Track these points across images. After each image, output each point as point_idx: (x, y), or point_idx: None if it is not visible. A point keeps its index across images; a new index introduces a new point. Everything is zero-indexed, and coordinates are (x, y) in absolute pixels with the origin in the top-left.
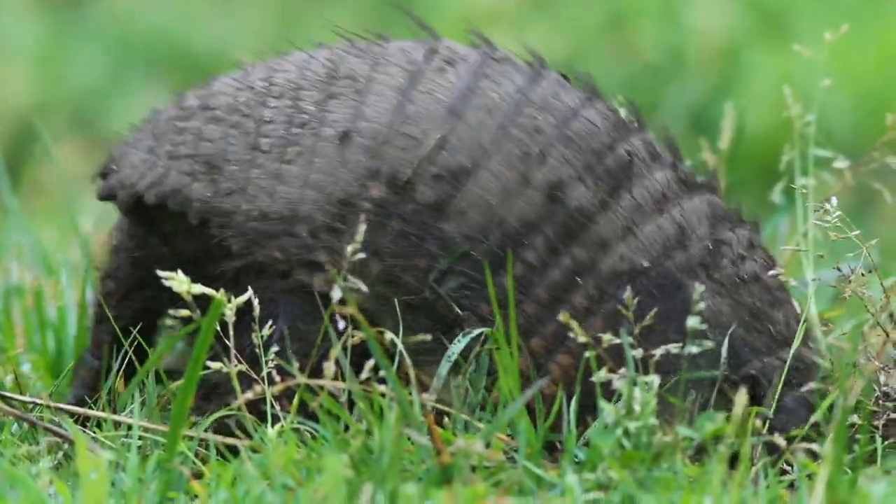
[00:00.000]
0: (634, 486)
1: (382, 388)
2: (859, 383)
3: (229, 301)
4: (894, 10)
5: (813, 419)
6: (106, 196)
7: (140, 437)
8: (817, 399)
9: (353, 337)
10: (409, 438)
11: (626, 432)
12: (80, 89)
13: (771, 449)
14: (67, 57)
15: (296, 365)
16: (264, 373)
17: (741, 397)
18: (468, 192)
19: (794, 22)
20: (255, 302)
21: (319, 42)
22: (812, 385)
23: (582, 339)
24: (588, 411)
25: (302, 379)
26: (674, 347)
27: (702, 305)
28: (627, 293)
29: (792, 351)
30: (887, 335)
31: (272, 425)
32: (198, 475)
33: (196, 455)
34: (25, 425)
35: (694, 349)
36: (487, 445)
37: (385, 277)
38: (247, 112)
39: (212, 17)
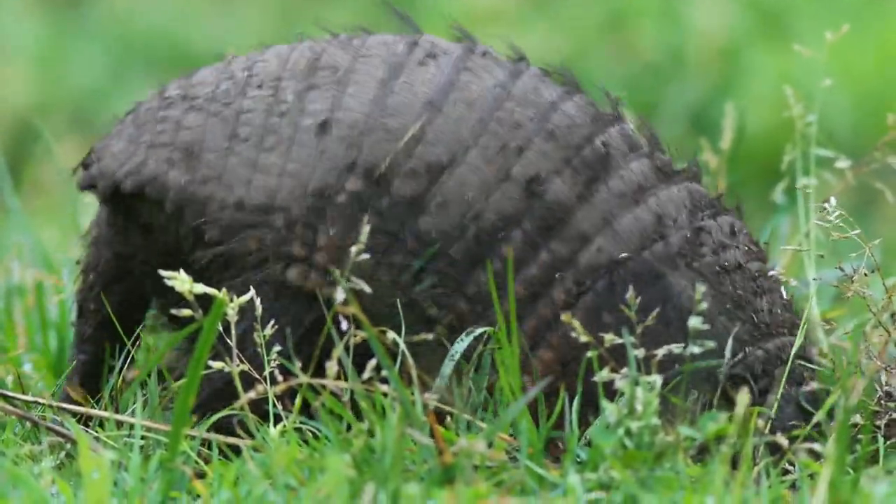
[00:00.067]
0: (636, 485)
1: (384, 387)
2: (861, 383)
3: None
4: (895, 10)
5: (814, 419)
6: (86, 186)
7: (142, 437)
8: (800, 392)
9: (354, 336)
10: (411, 438)
11: (629, 432)
12: (81, 89)
13: (773, 449)
14: (68, 57)
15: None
16: (266, 372)
17: (742, 397)
18: (445, 186)
19: (794, 22)
20: (257, 302)
21: (303, 36)
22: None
23: (564, 334)
24: (578, 407)
25: (304, 378)
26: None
27: (704, 305)
28: (630, 293)
29: (775, 342)
30: (889, 335)
31: (274, 425)
32: (200, 475)
33: (198, 455)
34: (28, 425)
35: (676, 345)
36: (489, 445)
37: (360, 273)
38: (227, 101)
39: (212, 17)
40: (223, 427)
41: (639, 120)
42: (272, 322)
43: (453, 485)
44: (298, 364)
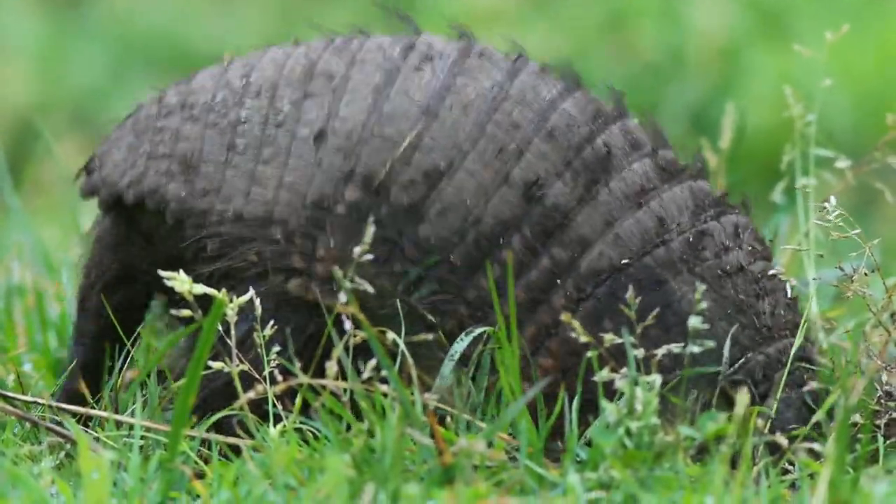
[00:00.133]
0: (636, 485)
1: (384, 387)
2: (861, 382)
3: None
4: (895, 10)
5: (814, 419)
6: (88, 193)
7: (142, 437)
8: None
9: (354, 336)
10: (411, 438)
11: (628, 432)
12: (81, 88)
13: (773, 448)
14: (68, 56)
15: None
16: (266, 372)
17: (742, 396)
18: (443, 192)
19: (794, 22)
20: (257, 302)
21: (297, 39)
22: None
23: (564, 340)
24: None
25: (304, 379)
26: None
27: (703, 305)
28: (630, 293)
29: (776, 345)
30: (889, 334)
31: (274, 425)
32: (200, 475)
33: (198, 455)
34: (27, 425)
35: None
36: (489, 445)
37: (361, 279)
38: (223, 111)
39: (212, 17)
40: (223, 427)
41: (642, 115)
42: (274, 332)
43: (453, 485)
44: (298, 365)
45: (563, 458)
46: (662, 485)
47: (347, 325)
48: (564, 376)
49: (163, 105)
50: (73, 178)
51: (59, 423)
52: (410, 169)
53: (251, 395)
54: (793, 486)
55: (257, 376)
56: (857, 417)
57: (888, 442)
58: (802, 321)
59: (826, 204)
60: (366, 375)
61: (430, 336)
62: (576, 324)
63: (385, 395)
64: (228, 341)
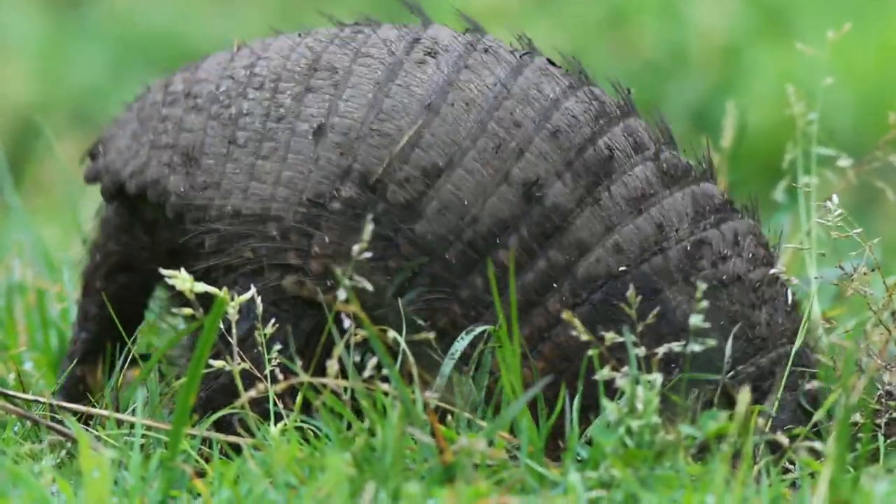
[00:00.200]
0: (637, 484)
1: (385, 386)
2: (862, 382)
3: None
4: None
5: (814, 418)
6: (91, 178)
7: (143, 436)
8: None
9: (355, 335)
10: (411, 437)
11: (629, 431)
12: (81, 87)
13: (773, 447)
14: (68, 55)
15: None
16: (267, 371)
17: (744, 396)
18: (441, 190)
19: (796, 20)
20: (258, 300)
21: (306, 29)
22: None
23: (557, 345)
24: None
25: (305, 377)
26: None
27: (705, 304)
28: (630, 292)
29: (770, 356)
30: (890, 333)
31: (275, 424)
32: (200, 473)
33: (199, 453)
34: (28, 423)
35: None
36: (490, 444)
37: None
38: (226, 103)
39: (212, 17)
40: (223, 425)
41: (649, 113)
42: (274, 330)
43: (454, 483)
44: (299, 363)
45: (563, 457)
46: (663, 484)
47: (347, 323)
48: (556, 379)
49: (168, 92)
50: (73, 176)
51: (60, 422)
52: (408, 166)
53: (252, 393)
54: (793, 485)
55: (258, 375)
56: (857, 416)
57: (888, 441)
58: (803, 324)
59: (828, 203)
60: (367, 374)
61: (431, 335)
62: (576, 322)
63: (386, 393)
64: (230, 340)
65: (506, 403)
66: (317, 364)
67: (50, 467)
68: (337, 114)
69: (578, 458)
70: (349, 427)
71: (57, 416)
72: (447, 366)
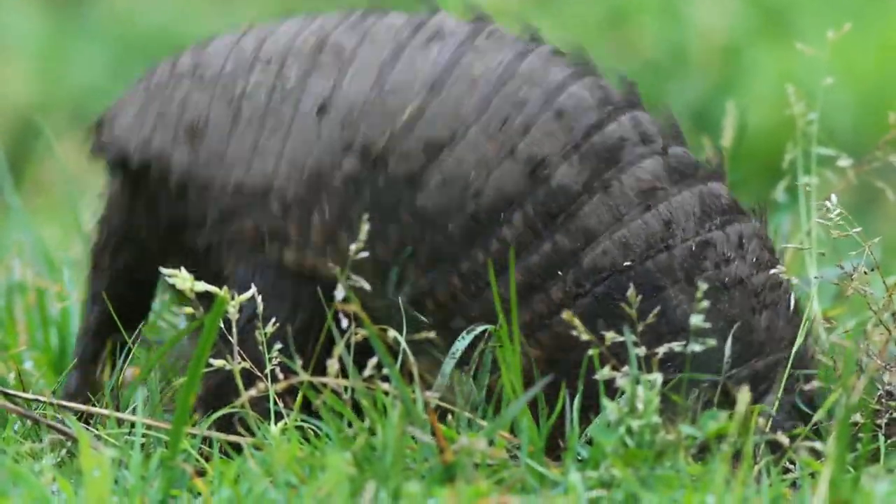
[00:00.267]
0: (637, 484)
1: (385, 385)
2: (862, 382)
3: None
4: None
5: (814, 419)
6: (96, 153)
7: (143, 435)
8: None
9: (356, 334)
10: (412, 436)
11: (629, 430)
12: (81, 87)
13: (774, 447)
14: (68, 55)
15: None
16: (267, 370)
17: (744, 395)
18: (444, 164)
19: (796, 20)
20: (259, 298)
21: (314, 11)
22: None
23: (556, 335)
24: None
25: (305, 376)
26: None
27: (705, 303)
28: (631, 291)
29: (767, 360)
30: (890, 333)
31: (275, 423)
32: (201, 473)
33: (199, 452)
34: (28, 423)
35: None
36: (490, 443)
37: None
38: (232, 79)
39: (212, 17)
40: (223, 424)
41: (656, 108)
42: (272, 305)
43: (454, 483)
44: (300, 362)
45: (564, 457)
46: (664, 483)
47: (345, 322)
48: (552, 369)
49: (176, 68)
50: (73, 175)
51: (61, 421)
52: (411, 140)
53: (252, 392)
54: (794, 485)
55: (259, 373)
56: (858, 417)
57: (889, 441)
58: (803, 325)
59: (827, 203)
60: (367, 373)
61: (431, 334)
62: (577, 322)
63: (386, 393)
64: (230, 338)
65: (506, 403)
66: (316, 363)
67: (50, 466)
68: (341, 91)
69: (579, 458)
70: (349, 426)
71: (57, 415)
72: (448, 365)
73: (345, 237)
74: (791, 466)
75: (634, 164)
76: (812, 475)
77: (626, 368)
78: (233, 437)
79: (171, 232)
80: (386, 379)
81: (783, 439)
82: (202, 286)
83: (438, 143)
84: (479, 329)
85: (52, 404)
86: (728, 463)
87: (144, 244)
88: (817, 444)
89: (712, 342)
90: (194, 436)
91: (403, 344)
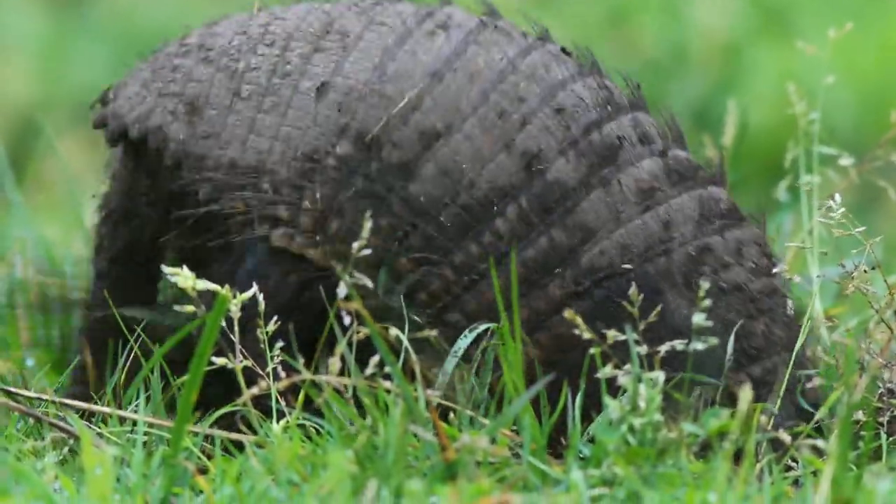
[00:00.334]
0: (639, 482)
1: (387, 383)
2: (864, 380)
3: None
4: None
5: (816, 417)
6: (99, 124)
7: (145, 433)
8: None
9: (357, 332)
10: (414, 434)
11: (631, 429)
12: (83, 85)
13: (776, 445)
14: (70, 53)
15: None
16: (269, 368)
17: (745, 393)
18: (438, 153)
19: (797, 19)
20: (261, 297)
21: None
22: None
23: (555, 335)
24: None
25: (307, 375)
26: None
27: (707, 303)
28: (633, 290)
29: (764, 365)
30: (891, 332)
31: (277, 421)
32: (203, 471)
33: (201, 450)
34: (30, 421)
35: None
36: (492, 441)
37: (344, 235)
38: (236, 57)
39: (212, 15)
40: (225, 422)
41: (658, 112)
42: (259, 282)
43: (456, 481)
44: (298, 360)
45: (566, 455)
46: (665, 481)
47: (347, 319)
48: (551, 369)
49: (183, 44)
50: (75, 173)
51: (63, 419)
52: (406, 128)
53: (254, 390)
54: (796, 483)
55: (260, 372)
56: (859, 415)
57: (891, 439)
58: (803, 326)
59: (830, 202)
60: (369, 371)
61: (433, 332)
62: (578, 320)
63: (388, 391)
64: (231, 336)
65: (508, 401)
66: (318, 361)
67: (52, 464)
68: (341, 74)
69: (581, 456)
70: (351, 424)
71: (59, 413)
72: (450, 363)
73: (334, 224)
74: (793, 464)
75: (632, 164)
76: (814, 473)
77: (628, 366)
78: (235, 436)
79: (170, 205)
80: (388, 377)
81: (785, 437)
82: (203, 284)
83: (434, 133)
84: (482, 328)
85: (54, 402)
86: (730, 461)
87: (144, 219)
88: (819, 443)
89: (711, 346)
90: (196, 434)
91: (405, 342)
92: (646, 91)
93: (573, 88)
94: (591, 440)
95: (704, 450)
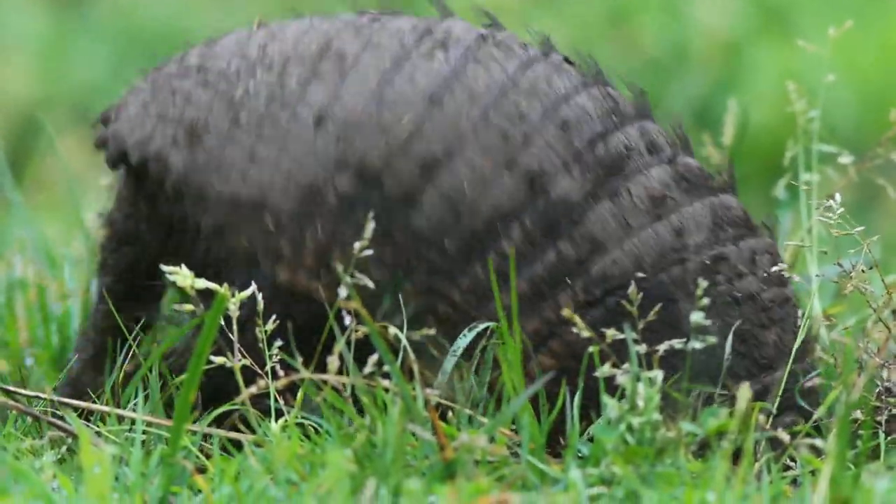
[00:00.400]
0: (638, 481)
1: (386, 382)
2: (862, 379)
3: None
4: None
5: (815, 416)
6: (99, 144)
7: (144, 432)
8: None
9: (356, 332)
10: (412, 433)
11: (630, 428)
12: (83, 84)
13: (774, 444)
14: (70, 52)
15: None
16: (268, 367)
17: (744, 392)
18: (439, 181)
19: (797, 17)
20: (260, 297)
21: (320, 12)
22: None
23: (568, 343)
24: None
25: (306, 374)
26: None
27: (705, 301)
28: (632, 289)
29: (775, 375)
30: (890, 331)
31: (276, 420)
32: (201, 470)
33: (200, 450)
34: (29, 419)
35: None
36: (491, 440)
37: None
38: (234, 81)
39: (213, 13)
40: (224, 421)
41: (666, 119)
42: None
43: (454, 480)
44: (299, 360)
45: (564, 454)
46: (664, 481)
47: (347, 319)
48: (565, 376)
49: (182, 64)
50: (75, 172)
51: (61, 418)
52: (407, 159)
53: (253, 389)
54: (794, 482)
55: (259, 371)
56: (858, 414)
57: (889, 438)
58: (803, 326)
59: (830, 201)
60: (367, 370)
61: (432, 331)
62: (577, 318)
63: (386, 390)
64: (230, 335)
65: (507, 400)
66: (317, 360)
67: (51, 463)
68: (339, 102)
69: (579, 455)
70: (350, 423)
71: (58, 412)
72: (449, 362)
73: (338, 255)
74: (791, 464)
75: (641, 173)
76: (812, 472)
77: (626, 365)
78: (233, 435)
79: (170, 233)
80: (386, 376)
81: (783, 436)
82: (203, 283)
83: (434, 162)
84: (481, 327)
85: (52, 401)
86: (728, 460)
87: (146, 243)
88: (818, 442)
89: (724, 356)
90: (195, 433)
91: (404, 341)
92: (646, 90)
93: (577, 101)
94: (590, 439)
95: (703, 449)
